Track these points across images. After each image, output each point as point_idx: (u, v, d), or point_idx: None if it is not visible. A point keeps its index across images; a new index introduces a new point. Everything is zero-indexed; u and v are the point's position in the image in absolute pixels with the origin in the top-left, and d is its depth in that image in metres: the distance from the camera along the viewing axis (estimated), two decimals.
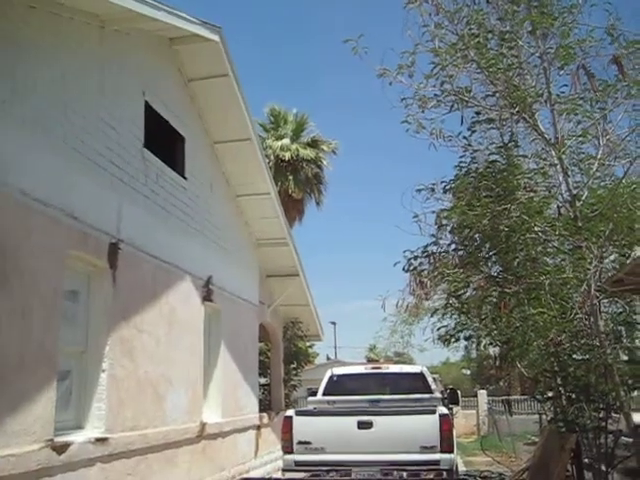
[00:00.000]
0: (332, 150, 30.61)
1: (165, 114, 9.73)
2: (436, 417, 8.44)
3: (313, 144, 29.63)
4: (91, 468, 6.94)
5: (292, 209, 27.21)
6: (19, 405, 5.83)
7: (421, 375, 11.06)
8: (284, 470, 8.70)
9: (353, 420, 8.54)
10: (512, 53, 7.01)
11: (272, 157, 27.15)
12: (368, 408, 8.93)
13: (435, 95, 6.99)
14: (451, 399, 11.06)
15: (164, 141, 9.77)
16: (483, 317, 7.57)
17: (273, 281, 15.86)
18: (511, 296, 6.83)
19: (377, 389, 10.77)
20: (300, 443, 8.62)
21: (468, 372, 55.41)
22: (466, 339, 8.56)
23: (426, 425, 8.42)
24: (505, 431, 21.07)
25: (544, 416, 10.53)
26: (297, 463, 8.56)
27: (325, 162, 30.27)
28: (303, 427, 8.72)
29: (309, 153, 28.94)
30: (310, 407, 9.89)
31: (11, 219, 5.88)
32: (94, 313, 7.54)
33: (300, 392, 20.32)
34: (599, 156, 6.97)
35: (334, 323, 51.43)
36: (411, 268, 8.12)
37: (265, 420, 14.38)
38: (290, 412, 9.07)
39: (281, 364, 17.34)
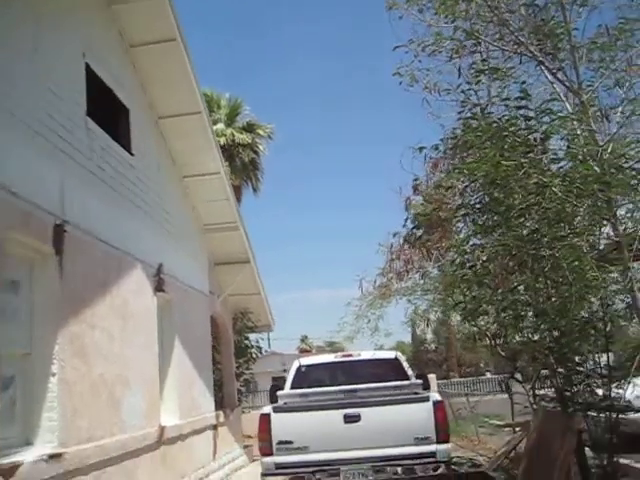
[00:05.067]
0: (268, 135, 29.56)
1: (108, 81, 8.59)
2: (430, 405, 7.73)
3: (249, 128, 28.51)
4: None
5: None
6: None
7: (396, 360, 10.29)
8: (263, 475, 7.78)
9: (338, 414, 7.71)
10: None
11: None
12: (353, 400, 8.08)
13: (436, 39, 6.15)
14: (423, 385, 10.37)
15: (107, 111, 8.64)
16: (512, 287, 6.86)
17: (221, 269, 14.81)
18: (547, 260, 6.09)
19: (350, 378, 9.92)
20: (280, 443, 7.71)
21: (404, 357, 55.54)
22: (484, 314, 7.85)
23: (419, 414, 7.70)
24: (464, 415, 20.62)
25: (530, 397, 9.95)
26: (278, 466, 7.66)
27: (261, 147, 29.23)
28: (283, 425, 7.83)
29: (245, 138, 27.83)
30: (281, 402, 8.98)
31: None
32: (39, 307, 6.39)
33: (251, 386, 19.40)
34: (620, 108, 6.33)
35: None
36: (413, 239, 7.33)
37: (221, 419, 13.40)
38: (267, 409, 8.14)
39: (232, 358, 16.32)
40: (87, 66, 7.92)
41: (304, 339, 64.81)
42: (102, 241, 7.75)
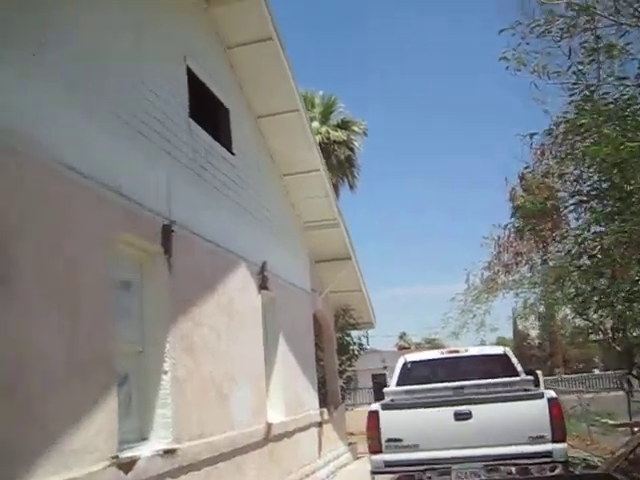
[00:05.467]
0: (363, 131, 29.46)
1: (208, 83, 8.70)
2: (544, 402, 7.40)
3: (343, 125, 28.48)
4: None
5: None
6: (76, 418, 4.85)
7: (504, 356, 9.93)
8: (373, 473, 7.66)
9: (449, 411, 7.49)
10: None
11: None
12: (463, 397, 7.84)
13: (547, 18, 5.83)
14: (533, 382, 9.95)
15: (208, 113, 8.75)
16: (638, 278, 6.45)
17: (322, 266, 14.80)
18: None
19: (457, 375, 9.64)
20: (390, 440, 7.57)
21: None
22: (604, 306, 7.45)
23: (534, 411, 7.38)
24: (576, 413, 19.70)
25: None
26: (387, 464, 7.52)
27: (356, 144, 29.15)
28: (392, 422, 7.69)
29: (340, 135, 27.83)
30: (387, 399, 8.84)
31: (47, 194, 4.85)
32: (150, 306, 6.53)
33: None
34: None
35: None
36: (527, 229, 7.04)
37: (325, 416, 13.41)
38: (375, 406, 8.03)
39: (335, 355, 16.31)
40: (188, 68, 8.05)
41: (402, 336, 64.23)
42: (208, 240, 7.86)
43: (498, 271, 10.98)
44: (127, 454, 5.54)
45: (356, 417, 19.93)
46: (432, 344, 45.93)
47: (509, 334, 52.66)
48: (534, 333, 52.18)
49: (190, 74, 8.08)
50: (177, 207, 7.04)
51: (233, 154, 9.28)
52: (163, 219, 6.70)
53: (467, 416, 7.42)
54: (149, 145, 6.63)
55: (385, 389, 9.26)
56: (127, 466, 5.39)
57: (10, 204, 4.40)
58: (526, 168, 6.49)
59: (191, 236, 7.37)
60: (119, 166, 5.88)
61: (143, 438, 6.22)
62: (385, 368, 40.21)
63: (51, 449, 4.51)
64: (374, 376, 34.64)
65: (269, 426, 9.34)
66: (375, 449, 7.67)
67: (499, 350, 10.23)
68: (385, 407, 7.92)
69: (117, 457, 5.26)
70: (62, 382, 4.74)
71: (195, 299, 7.35)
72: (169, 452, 6.16)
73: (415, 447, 7.46)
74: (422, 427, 7.56)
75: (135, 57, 6.64)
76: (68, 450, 4.69)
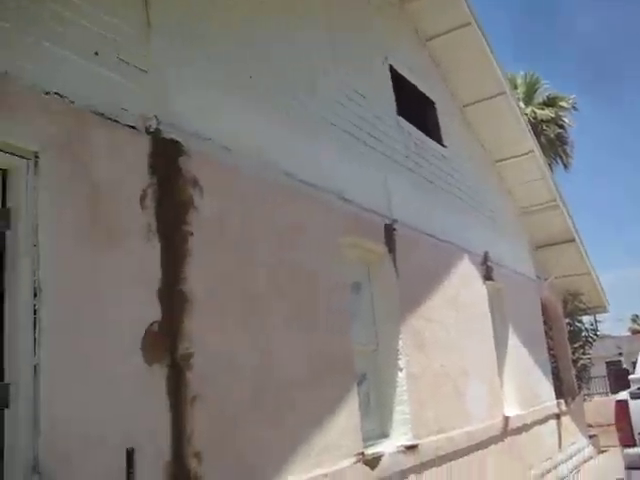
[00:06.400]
0: (572, 106, 27.79)
1: (411, 77, 8.67)
2: None
3: (550, 103, 27.10)
4: None
5: None
6: (322, 418, 5.05)
7: None
8: (629, 468, 7.14)
9: None
10: None
11: None
12: None
13: None
14: None
15: (414, 108, 8.70)
16: None
17: (543, 251, 14.11)
18: None
19: None
20: None
21: None
22: None
23: None
24: None
25: None
26: None
27: (566, 120, 27.55)
28: None
29: (547, 113, 26.51)
30: (634, 387, 8.20)
31: (281, 207, 5.12)
32: (380, 305, 6.65)
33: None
34: None
35: None
36: None
37: (563, 407, 12.77)
38: (623, 395, 7.49)
39: (566, 343, 15.45)
40: (391, 67, 8.08)
41: (635, 319, 59.61)
42: (428, 234, 7.84)
43: None
44: (371, 450, 5.67)
45: (593, 408, 18.83)
46: None
47: None
48: None
49: (393, 72, 8.11)
50: (396, 205, 7.11)
51: (444, 146, 9.17)
52: (384, 218, 6.79)
53: None
54: (363, 147, 6.76)
55: (631, 376, 8.61)
56: (373, 462, 5.52)
57: (248, 222, 4.69)
58: None
59: (412, 232, 7.38)
60: (338, 171, 6.05)
61: (384, 435, 6.33)
62: (620, 355, 37.55)
63: (300, 449, 4.71)
64: (608, 363, 32.54)
65: (506, 420, 9.09)
66: (627, 442, 7.14)
67: None
68: (635, 396, 7.34)
69: (363, 454, 5.41)
70: (306, 386, 4.94)
71: (422, 295, 7.36)
72: (410, 448, 6.21)
73: None
74: None
75: (338, 64, 6.75)
76: (317, 449, 4.89)
